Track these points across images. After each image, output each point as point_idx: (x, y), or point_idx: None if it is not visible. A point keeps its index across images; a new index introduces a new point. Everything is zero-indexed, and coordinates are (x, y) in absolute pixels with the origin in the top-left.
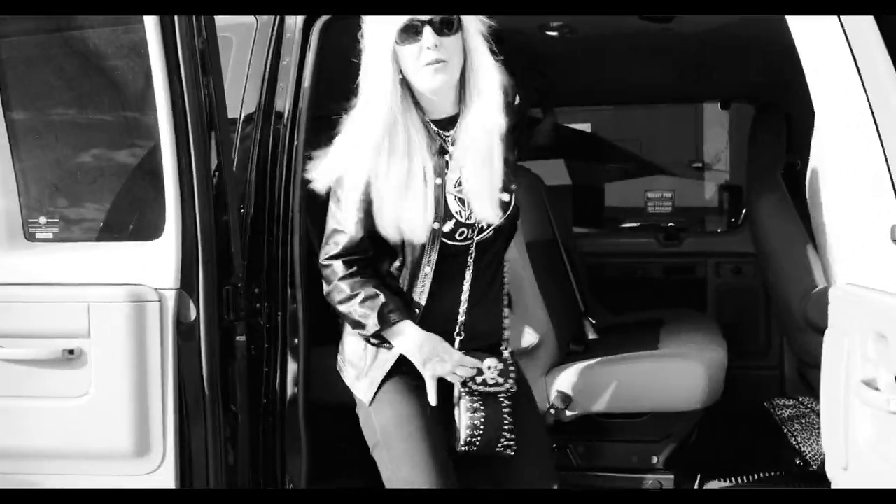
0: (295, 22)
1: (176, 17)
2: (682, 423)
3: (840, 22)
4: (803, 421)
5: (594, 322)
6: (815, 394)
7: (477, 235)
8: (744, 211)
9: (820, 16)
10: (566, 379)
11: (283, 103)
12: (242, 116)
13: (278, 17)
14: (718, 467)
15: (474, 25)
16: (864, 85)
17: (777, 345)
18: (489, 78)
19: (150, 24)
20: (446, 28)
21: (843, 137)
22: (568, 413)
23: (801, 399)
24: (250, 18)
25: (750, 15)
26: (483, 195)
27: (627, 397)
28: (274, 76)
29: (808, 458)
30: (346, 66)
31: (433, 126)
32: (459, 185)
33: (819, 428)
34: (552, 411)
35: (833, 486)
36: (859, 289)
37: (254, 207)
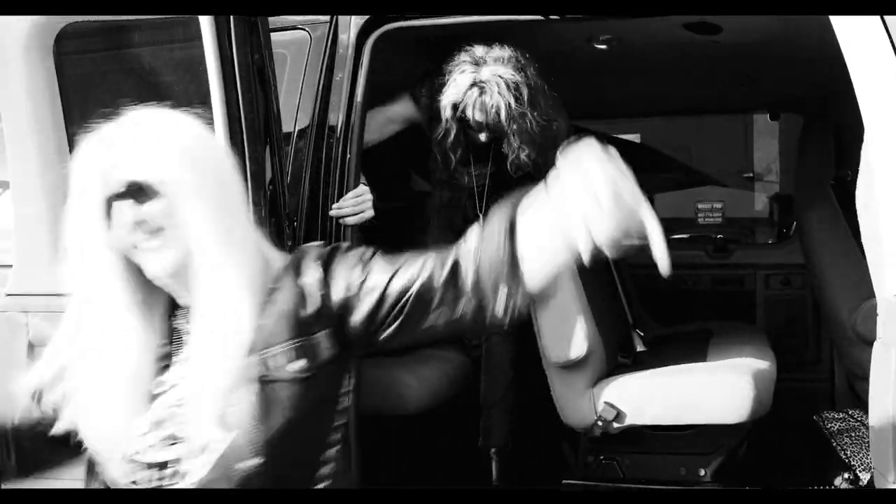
0: (348, 38)
1: (233, 33)
2: (731, 435)
3: (886, 29)
4: (853, 434)
5: (642, 334)
6: (865, 407)
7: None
8: (794, 222)
9: (866, 16)
10: (614, 390)
11: (336, 118)
12: (296, 131)
13: (332, 34)
14: (766, 481)
15: (187, 186)
16: None
17: (827, 357)
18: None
19: (208, 38)
20: (146, 193)
21: (892, 147)
22: (615, 425)
23: (850, 412)
24: (304, 35)
25: (795, 15)
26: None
27: (675, 409)
28: (327, 91)
29: (857, 471)
30: (398, 81)
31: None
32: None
33: (869, 442)
34: (600, 423)
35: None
36: None
37: (306, 221)
